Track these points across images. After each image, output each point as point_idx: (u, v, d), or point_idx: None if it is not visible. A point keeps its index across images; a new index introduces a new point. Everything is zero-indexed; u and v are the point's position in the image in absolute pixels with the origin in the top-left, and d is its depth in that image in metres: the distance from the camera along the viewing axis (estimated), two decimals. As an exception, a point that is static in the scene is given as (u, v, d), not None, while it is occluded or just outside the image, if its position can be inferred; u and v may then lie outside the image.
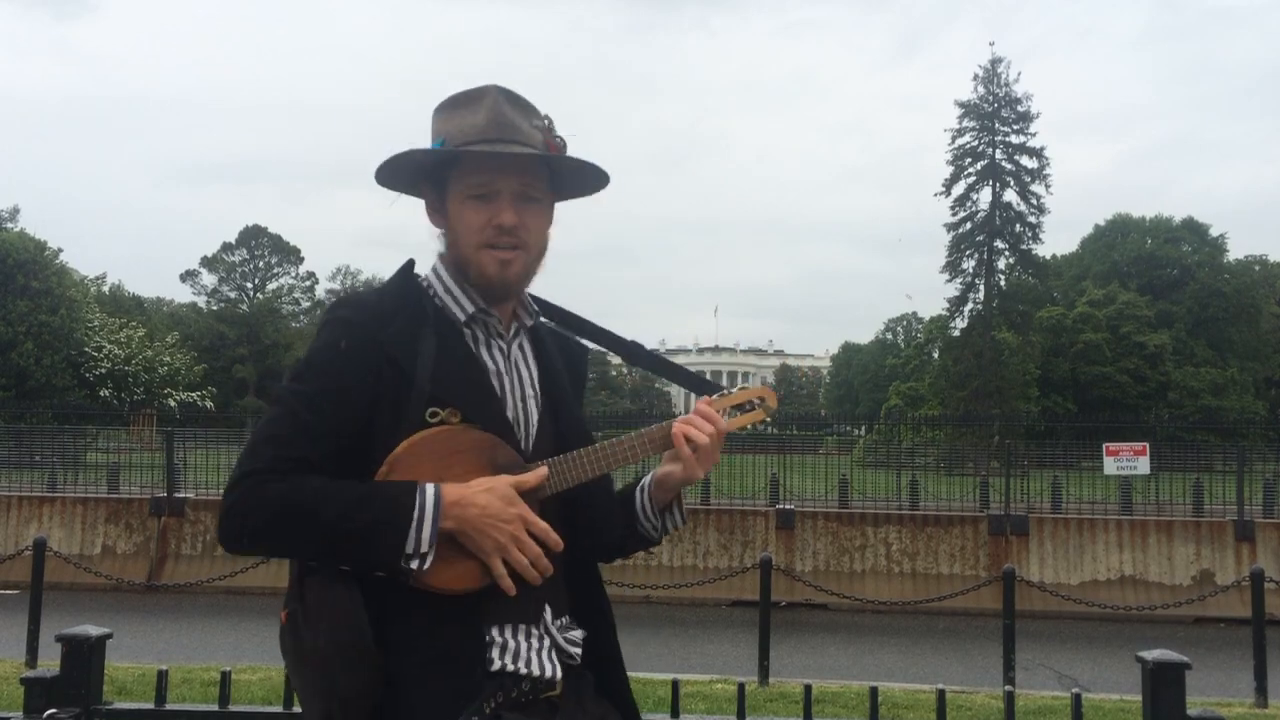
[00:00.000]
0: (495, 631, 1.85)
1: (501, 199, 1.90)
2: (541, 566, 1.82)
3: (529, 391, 1.99)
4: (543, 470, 1.87)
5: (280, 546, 1.82)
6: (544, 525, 1.83)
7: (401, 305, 1.90)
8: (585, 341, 2.20)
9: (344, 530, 1.73)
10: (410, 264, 1.99)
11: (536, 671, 1.86)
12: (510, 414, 1.94)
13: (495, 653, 1.83)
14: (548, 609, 1.92)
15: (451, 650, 1.81)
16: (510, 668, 1.84)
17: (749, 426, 2.08)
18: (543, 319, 2.11)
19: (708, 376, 2.27)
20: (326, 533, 1.74)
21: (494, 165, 1.89)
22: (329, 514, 1.73)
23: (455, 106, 1.94)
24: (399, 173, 1.98)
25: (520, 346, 2.03)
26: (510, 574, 1.82)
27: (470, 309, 1.95)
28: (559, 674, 1.89)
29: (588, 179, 2.03)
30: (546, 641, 1.91)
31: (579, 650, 1.96)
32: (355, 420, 1.81)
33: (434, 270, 2.00)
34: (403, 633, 1.80)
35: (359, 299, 1.91)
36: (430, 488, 1.76)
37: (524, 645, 1.87)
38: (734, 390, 2.06)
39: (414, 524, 1.73)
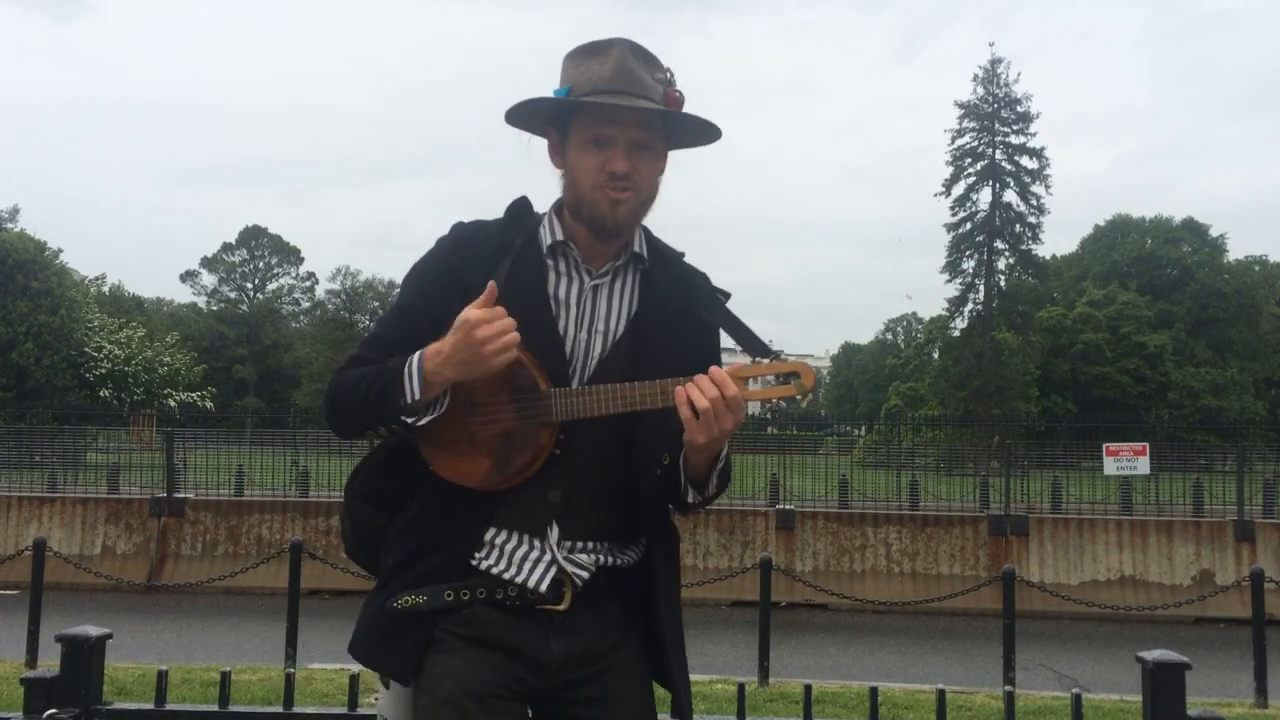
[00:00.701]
0: (494, 534, 2.03)
1: (616, 146, 2.02)
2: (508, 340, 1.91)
3: (599, 327, 2.07)
4: (491, 285, 1.91)
5: (345, 420, 2.09)
6: (487, 311, 1.89)
7: (495, 234, 2.09)
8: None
9: (368, 396, 2.00)
10: (523, 200, 2.15)
11: (521, 578, 2.00)
12: (568, 343, 2.05)
13: (487, 552, 2.02)
14: (555, 527, 2.03)
15: (448, 538, 2.02)
16: (495, 570, 2.00)
17: (775, 401, 1.96)
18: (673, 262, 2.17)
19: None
20: (359, 401, 2.02)
21: (612, 115, 2.01)
22: (360, 387, 2.02)
23: (584, 55, 2.06)
24: (526, 115, 2.10)
25: (613, 283, 2.11)
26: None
27: (550, 240, 2.09)
28: (545, 586, 2.00)
29: (700, 132, 2.12)
30: (546, 556, 2.02)
31: (585, 573, 2.03)
32: (423, 330, 2.03)
33: (550, 209, 2.14)
34: (418, 513, 2.06)
35: (463, 226, 2.13)
36: (417, 352, 1.97)
37: (519, 552, 2.02)
38: (767, 360, 1.96)
39: (405, 377, 1.96)
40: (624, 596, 2.09)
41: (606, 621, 2.06)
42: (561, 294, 2.07)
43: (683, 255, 2.20)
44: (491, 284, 1.93)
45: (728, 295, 2.18)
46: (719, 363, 2.12)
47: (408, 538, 2.06)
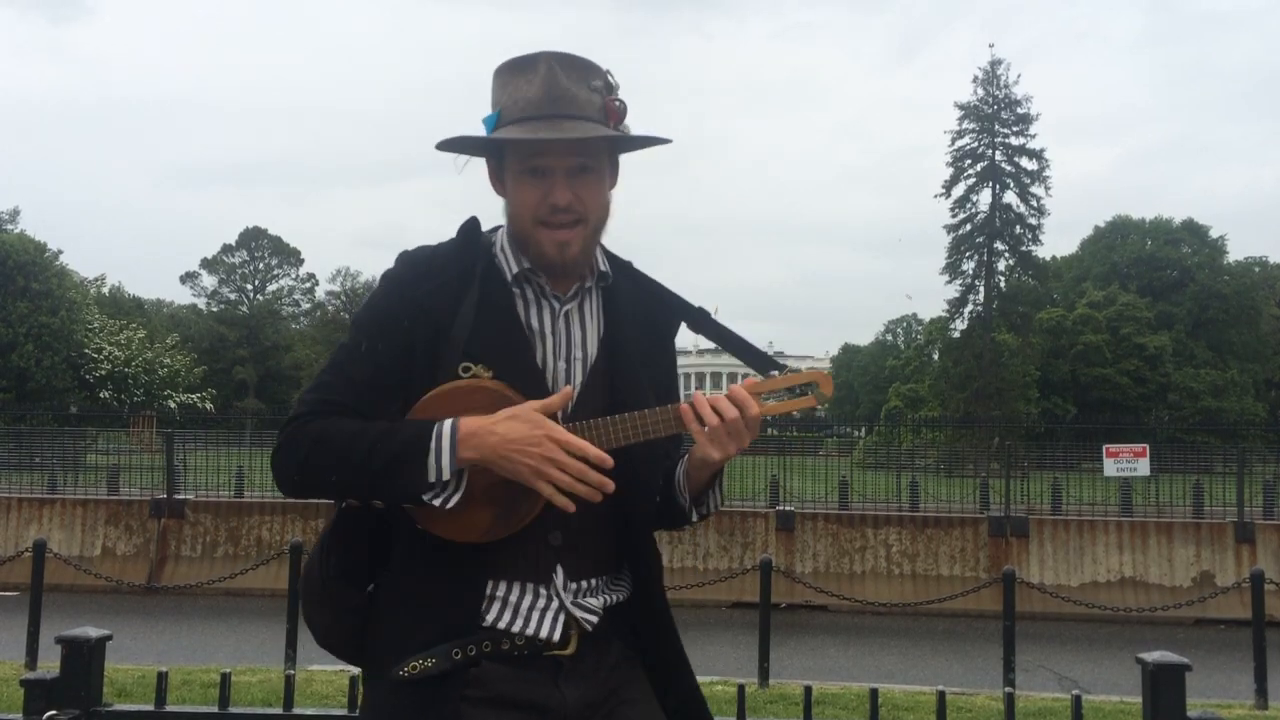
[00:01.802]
0: (494, 585, 1.87)
1: (555, 176, 1.88)
2: (593, 480, 1.77)
3: (576, 354, 1.96)
4: (566, 390, 1.85)
5: (317, 480, 1.85)
6: (579, 441, 1.78)
7: (452, 261, 1.92)
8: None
9: (370, 465, 1.78)
10: (473, 221, 1.98)
11: (531, 630, 1.87)
12: (548, 374, 1.92)
13: (486, 606, 1.86)
14: (560, 570, 1.91)
15: (448, 599, 1.86)
16: (503, 624, 1.86)
17: (795, 412, 1.95)
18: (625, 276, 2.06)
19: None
20: (355, 468, 1.79)
21: (545, 147, 1.87)
22: (357, 450, 1.79)
23: (510, 73, 1.91)
24: (460, 140, 1.96)
25: (582, 306, 1.99)
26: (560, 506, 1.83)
27: (516, 268, 1.94)
28: (557, 635, 1.88)
29: (647, 138, 1.99)
30: (554, 603, 1.90)
31: (594, 618, 1.92)
32: (390, 370, 1.88)
33: (503, 228, 2.00)
34: (405, 577, 1.89)
35: (413, 255, 1.95)
36: (448, 421, 1.79)
37: (525, 603, 1.89)
38: (783, 372, 1.93)
39: (431, 454, 1.76)
40: (623, 630, 2.00)
41: (611, 659, 1.96)
42: (535, 323, 1.94)
43: (630, 264, 2.08)
44: (567, 388, 1.85)
45: (706, 312, 2.08)
46: (675, 369, 2.11)
47: (399, 606, 1.89)
